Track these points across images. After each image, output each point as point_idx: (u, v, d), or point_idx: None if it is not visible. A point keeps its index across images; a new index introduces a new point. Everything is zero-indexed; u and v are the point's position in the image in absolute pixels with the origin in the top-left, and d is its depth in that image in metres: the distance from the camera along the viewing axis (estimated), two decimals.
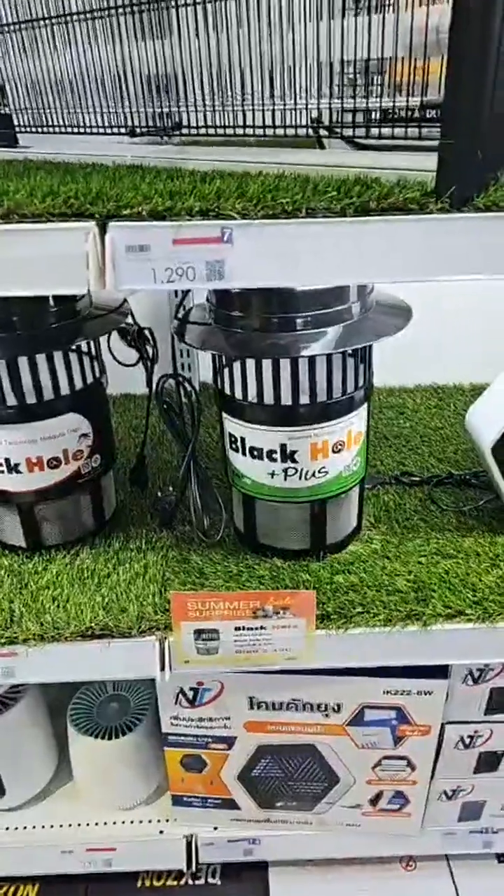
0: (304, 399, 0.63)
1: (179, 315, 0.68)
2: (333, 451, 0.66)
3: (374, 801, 0.82)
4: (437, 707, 0.73)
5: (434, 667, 0.71)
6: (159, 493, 0.82)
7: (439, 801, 0.83)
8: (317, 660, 0.67)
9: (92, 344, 0.73)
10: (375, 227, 0.45)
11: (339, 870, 0.93)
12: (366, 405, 0.68)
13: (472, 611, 0.66)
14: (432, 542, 0.75)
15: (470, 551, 0.74)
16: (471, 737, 0.76)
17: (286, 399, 0.63)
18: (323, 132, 0.56)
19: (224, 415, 0.68)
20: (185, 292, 0.69)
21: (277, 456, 0.66)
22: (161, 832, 0.88)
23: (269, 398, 0.63)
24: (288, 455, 0.65)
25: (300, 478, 0.67)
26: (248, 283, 0.46)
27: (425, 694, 0.72)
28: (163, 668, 0.69)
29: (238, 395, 0.65)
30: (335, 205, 0.45)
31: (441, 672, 0.71)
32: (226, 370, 0.67)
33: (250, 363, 0.63)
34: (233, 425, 0.67)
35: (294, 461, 0.66)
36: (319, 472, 0.67)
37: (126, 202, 0.45)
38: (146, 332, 0.75)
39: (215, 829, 0.87)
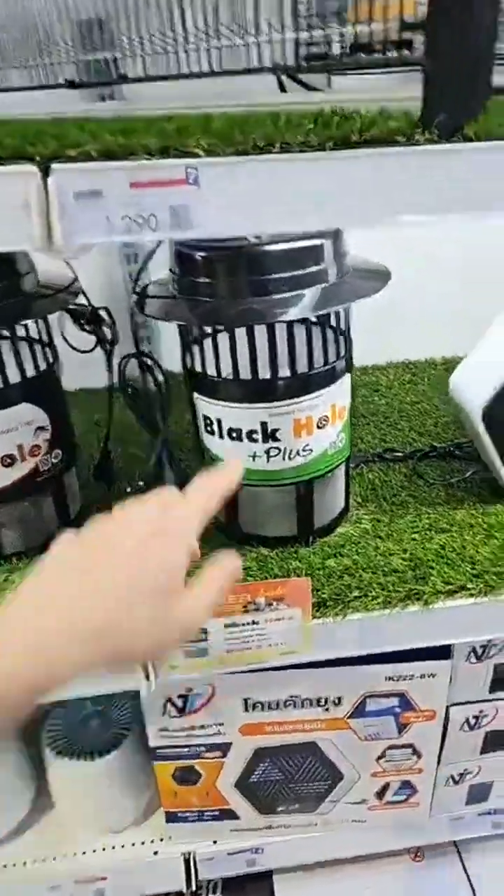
0: (284, 371, 0.58)
1: (138, 289, 0.62)
2: (318, 427, 0.61)
3: (381, 794, 0.78)
4: (441, 689, 0.69)
5: (436, 648, 0.67)
6: (128, 489, 0.75)
7: (446, 787, 0.79)
8: (315, 651, 0.62)
9: (42, 327, 0.66)
10: (360, 161, 0.40)
11: (346, 869, 0.88)
12: (348, 376, 0.64)
13: (473, 585, 0.62)
14: (423, 517, 0.71)
15: (463, 524, 0.70)
16: (476, 717, 0.73)
17: (264, 372, 0.58)
18: (287, 72, 0.51)
19: (196, 396, 0.62)
20: (144, 263, 0.62)
21: (258, 436, 0.60)
22: (156, 853, 0.82)
23: (245, 372, 0.58)
24: (269, 434, 0.60)
25: (284, 458, 0.62)
26: (220, 231, 0.41)
27: (429, 677, 0.68)
28: (147, 678, 0.63)
29: (211, 371, 0.60)
30: (313, 138, 0.39)
31: (443, 652, 0.68)
32: (195, 346, 0.61)
33: (223, 335, 0.58)
34: (207, 406, 0.62)
35: (276, 440, 0.61)
36: (304, 450, 0.62)
37: (72, 141, 0.39)
38: (102, 312, 0.68)
39: (214, 842, 0.82)
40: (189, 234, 0.40)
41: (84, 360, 0.75)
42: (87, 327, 0.70)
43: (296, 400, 0.59)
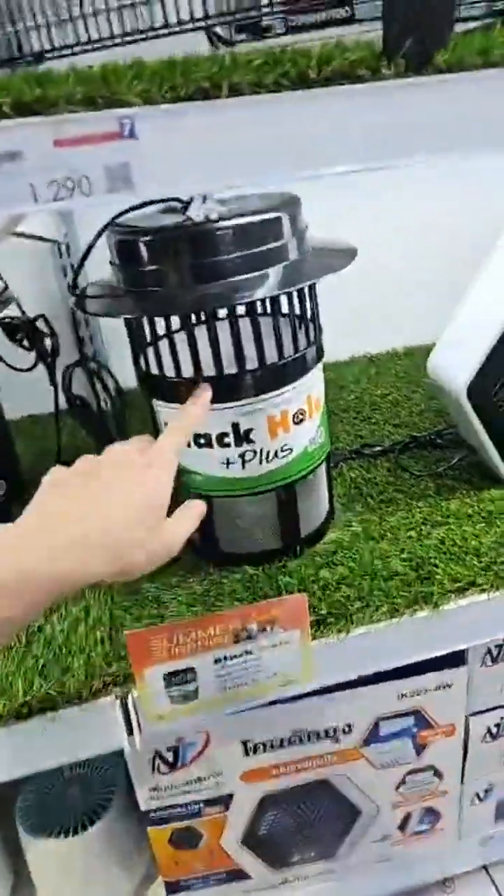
0: (252, 364, 0.52)
1: (77, 290, 0.55)
2: (295, 423, 0.55)
3: (403, 825, 0.71)
4: (459, 700, 0.63)
5: (448, 655, 0.60)
6: None
7: (472, 806, 0.72)
8: (317, 678, 0.55)
9: None
10: (320, 100, 0.34)
11: None
12: (321, 364, 0.58)
13: (484, 579, 0.56)
14: (416, 512, 0.66)
15: (460, 514, 0.65)
16: (497, 725, 0.67)
17: (230, 366, 0.51)
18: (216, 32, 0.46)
19: (155, 402, 0.55)
20: (83, 258, 0.55)
21: (230, 439, 0.53)
22: None
23: (208, 369, 0.51)
24: (242, 436, 0.53)
25: (261, 461, 0.55)
26: (166, 190, 0.34)
27: (444, 688, 0.62)
28: (130, 733, 0.54)
29: (169, 372, 0.53)
30: (265, 77, 0.34)
31: (457, 659, 0.61)
32: (149, 348, 0.54)
33: (179, 333, 0.51)
34: (169, 412, 0.54)
35: (251, 442, 0.54)
36: (282, 450, 0.55)
37: None
38: (40, 320, 0.60)
39: None
40: (130, 196, 0.33)
41: (28, 383, 0.67)
42: (24, 343, 0.62)
43: (268, 395, 0.53)
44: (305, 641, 0.53)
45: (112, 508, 0.38)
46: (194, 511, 0.44)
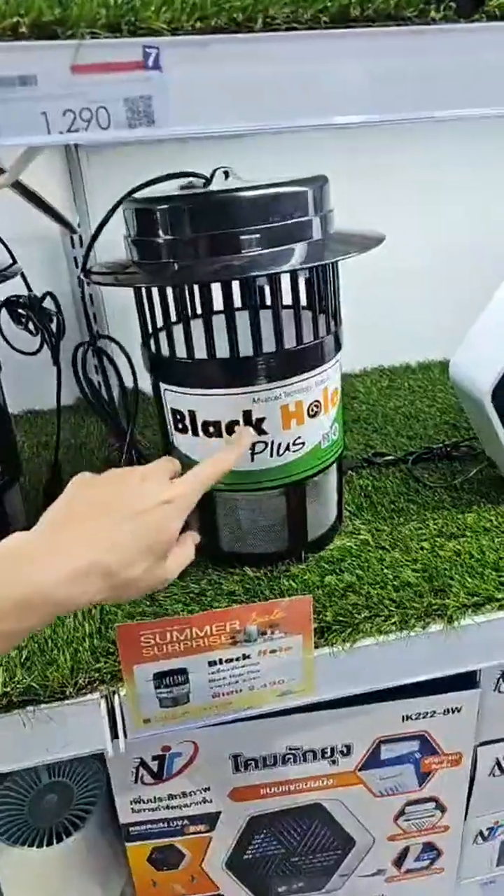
0: (269, 347, 0.49)
1: (89, 265, 0.52)
2: (309, 416, 0.52)
3: (399, 861, 0.66)
4: (468, 726, 0.58)
5: (457, 676, 0.56)
6: None
7: (475, 845, 0.67)
8: (319, 690, 0.51)
9: None
10: (361, 40, 0.32)
11: None
12: (339, 357, 0.55)
13: (503, 594, 0.52)
14: (430, 523, 0.62)
15: (477, 527, 0.61)
16: None
17: (246, 349, 0.48)
18: None
19: (163, 386, 0.52)
20: (96, 232, 0.53)
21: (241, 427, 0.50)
22: None
23: (222, 351, 0.48)
24: (254, 425, 0.50)
25: (272, 454, 0.51)
26: (191, 128, 0.31)
27: (453, 712, 0.57)
28: (115, 737, 0.50)
29: (181, 353, 0.50)
30: (303, 12, 0.31)
31: (468, 681, 0.57)
32: (160, 328, 0.51)
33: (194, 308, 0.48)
34: (177, 397, 0.51)
35: (262, 433, 0.51)
36: (294, 444, 0.52)
37: None
38: (48, 298, 0.58)
39: None
40: (150, 133, 0.31)
41: (33, 376, 0.64)
42: (29, 326, 0.59)
43: (284, 382, 0.49)
44: (308, 649, 0.49)
45: (123, 544, 0.39)
46: (189, 542, 0.45)
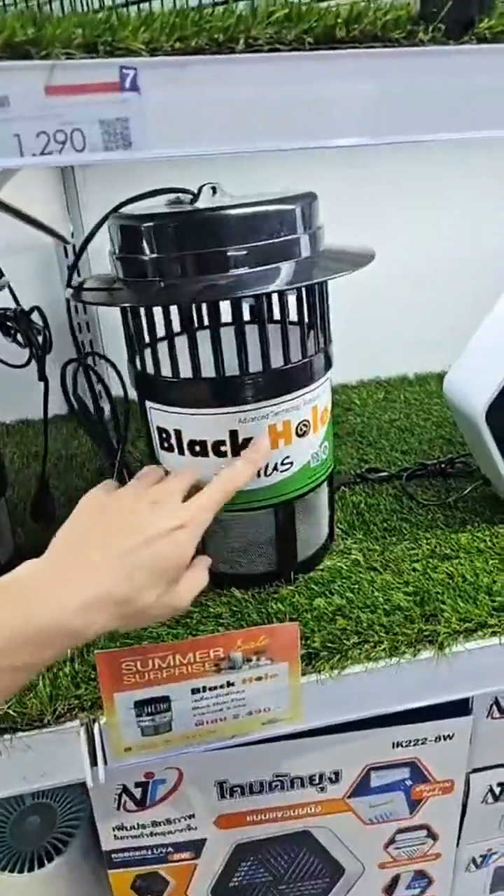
0: (256, 366, 0.48)
1: (74, 282, 0.51)
2: (297, 435, 0.51)
3: (390, 889, 0.64)
4: (460, 753, 0.57)
5: (450, 703, 0.55)
6: None
7: (468, 872, 0.66)
8: (306, 718, 0.50)
9: None
10: (347, 62, 0.31)
11: None
12: (329, 375, 0.54)
13: (496, 620, 0.51)
14: (422, 543, 0.61)
15: (471, 548, 0.60)
16: (501, 784, 0.60)
17: (232, 368, 0.47)
18: None
19: (149, 405, 0.51)
20: (83, 246, 0.52)
21: (227, 448, 0.49)
22: None
23: (208, 370, 0.47)
24: (241, 445, 0.49)
25: (259, 474, 0.50)
26: (166, 152, 0.30)
27: (445, 739, 0.56)
28: (94, 764, 0.49)
29: (166, 371, 0.49)
30: (286, 33, 0.30)
31: (461, 708, 0.56)
32: (145, 346, 0.50)
33: (180, 326, 0.47)
34: (163, 416, 0.50)
35: None
36: (283, 464, 0.51)
37: None
38: (35, 312, 0.57)
39: None
40: (126, 156, 0.30)
41: (24, 385, 0.63)
42: (18, 336, 0.58)
43: (271, 402, 0.48)
44: (295, 676, 0.48)
45: (134, 572, 0.38)
46: (202, 567, 0.43)
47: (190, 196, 0.48)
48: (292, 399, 0.49)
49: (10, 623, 0.34)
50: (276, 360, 0.48)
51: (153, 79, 0.30)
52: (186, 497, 0.44)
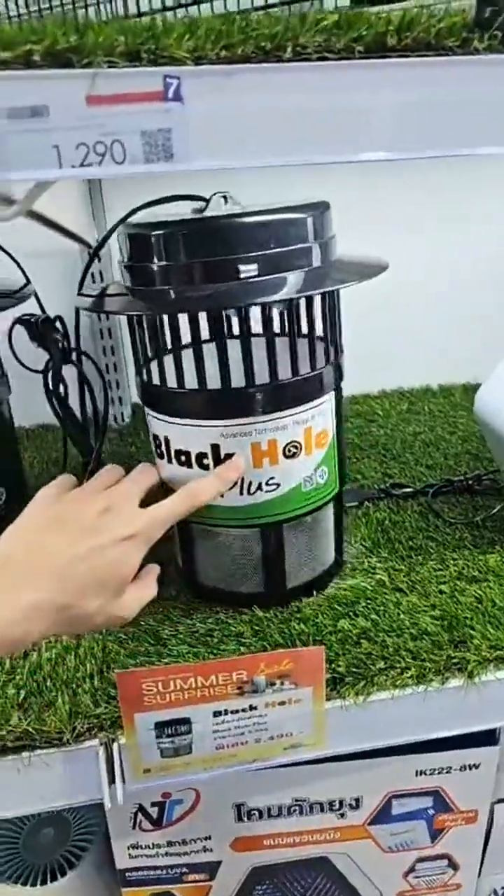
0: (238, 380, 0.46)
1: (87, 289, 0.50)
2: (285, 456, 0.48)
3: None
4: (485, 784, 0.55)
5: (477, 732, 0.53)
6: None
7: None
8: (329, 743, 0.48)
9: None
10: (399, 71, 0.29)
11: None
12: (332, 395, 0.50)
13: None
14: (450, 564, 0.59)
15: (500, 571, 0.58)
16: None
17: (214, 380, 0.46)
18: None
19: (147, 411, 0.51)
20: (95, 252, 0.51)
21: (209, 461, 0.48)
22: None
23: (191, 381, 0.46)
24: (223, 460, 0.48)
25: (242, 492, 0.49)
26: (210, 162, 0.29)
27: (470, 769, 0.54)
28: (113, 781, 0.48)
29: (156, 380, 0.48)
30: (336, 41, 0.29)
31: (488, 737, 0.54)
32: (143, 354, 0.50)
33: (168, 335, 0.47)
34: (155, 423, 0.50)
35: None
36: (268, 483, 0.49)
37: (6, 40, 0.27)
38: (56, 321, 0.56)
39: None
40: (168, 168, 0.29)
41: (42, 391, 0.62)
42: (38, 338, 0.57)
43: (255, 419, 0.46)
44: (319, 701, 0.46)
45: (74, 580, 0.37)
46: (150, 578, 0.43)
47: (204, 203, 0.47)
48: (279, 418, 0.47)
49: None
50: (262, 377, 0.46)
51: (197, 88, 0.29)
52: (150, 499, 0.44)
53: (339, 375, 0.51)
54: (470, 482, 0.71)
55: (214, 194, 0.46)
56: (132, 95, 0.28)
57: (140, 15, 0.42)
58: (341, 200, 0.50)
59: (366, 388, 1.03)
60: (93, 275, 0.88)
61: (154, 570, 0.44)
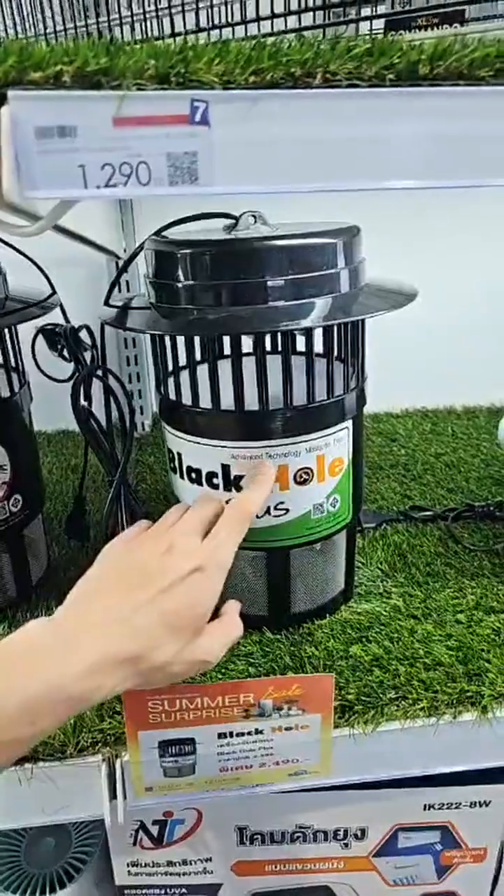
0: (252, 403, 0.45)
1: (114, 300, 0.50)
2: (296, 482, 0.47)
3: None
4: (496, 821, 0.54)
5: (489, 767, 0.52)
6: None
7: None
8: (335, 772, 0.47)
9: (8, 347, 0.54)
10: (433, 100, 0.29)
11: None
12: (350, 423, 0.49)
13: None
14: (467, 592, 0.58)
15: None
16: None
17: (227, 402, 0.45)
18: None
19: (164, 426, 0.50)
20: (122, 269, 0.51)
21: (219, 480, 0.47)
22: None
23: (205, 401, 0.46)
24: (232, 481, 0.47)
25: None
26: (233, 188, 0.29)
27: (481, 805, 0.53)
28: (114, 797, 0.47)
29: (173, 396, 0.48)
30: (366, 69, 0.29)
31: (500, 773, 0.52)
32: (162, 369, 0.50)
33: (184, 353, 0.47)
34: (171, 438, 0.50)
35: (240, 489, 0.47)
36: (276, 508, 0.48)
37: (37, 60, 0.28)
38: (84, 330, 0.56)
39: None
40: (191, 191, 0.29)
41: (65, 397, 0.63)
42: (64, 349, 0.58)
43: (265, 443, 0.46)
44: (327, 729, 0.46)
45: (144, 628, 0.35)
46: (232, 614, 0.41)
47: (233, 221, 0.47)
48: (290, 444, 0.46)
49: None
50: (276, 402, 0.45)
51: (224, 112, 0.28)
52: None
53: (360, 403, 0.50)
54: (492, 508, 0.70)
55: (244, 213, 0.46)
56: (159, 118, 0.28)
57: (174, 35, 0.43)
58: (367, 219, 0.49)
59: (388, 406, 1.02)
60: (119, 284, 0.88)
61: (235, 605, 0.41)
